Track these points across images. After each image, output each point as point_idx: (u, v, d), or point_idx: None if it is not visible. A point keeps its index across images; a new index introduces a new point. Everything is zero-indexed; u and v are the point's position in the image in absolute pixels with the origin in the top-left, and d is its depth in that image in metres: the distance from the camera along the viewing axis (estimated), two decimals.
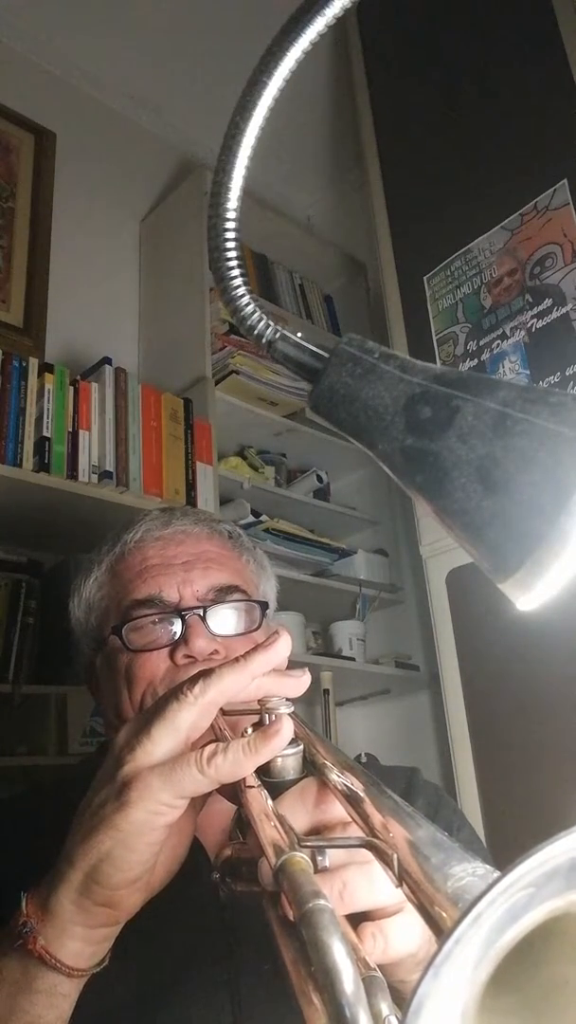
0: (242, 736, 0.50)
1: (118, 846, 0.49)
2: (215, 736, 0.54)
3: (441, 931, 0.30)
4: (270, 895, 0.45)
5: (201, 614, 0.79)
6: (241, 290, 0.42)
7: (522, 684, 1.57)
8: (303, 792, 0.51)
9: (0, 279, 2.15)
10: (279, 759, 0.52)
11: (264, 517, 2.22)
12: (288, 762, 0.53)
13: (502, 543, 0.35)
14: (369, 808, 0.44)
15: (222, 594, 0.82)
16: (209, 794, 0.52)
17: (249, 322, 0.42)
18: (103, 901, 0.51)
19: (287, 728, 0.50)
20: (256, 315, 0.42)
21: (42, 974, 0.52)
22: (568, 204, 1.73)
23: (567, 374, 1.66)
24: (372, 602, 2.36)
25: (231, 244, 0.42)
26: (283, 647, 0.54)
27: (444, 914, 0.31)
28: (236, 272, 0.42)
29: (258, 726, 0.52)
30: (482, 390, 0.36)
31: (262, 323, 0.42)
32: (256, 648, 0.54)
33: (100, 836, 0.50)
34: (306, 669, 0.55)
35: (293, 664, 0.56)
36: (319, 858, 0.45)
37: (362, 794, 0.46)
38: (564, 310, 1.69)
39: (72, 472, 1.71)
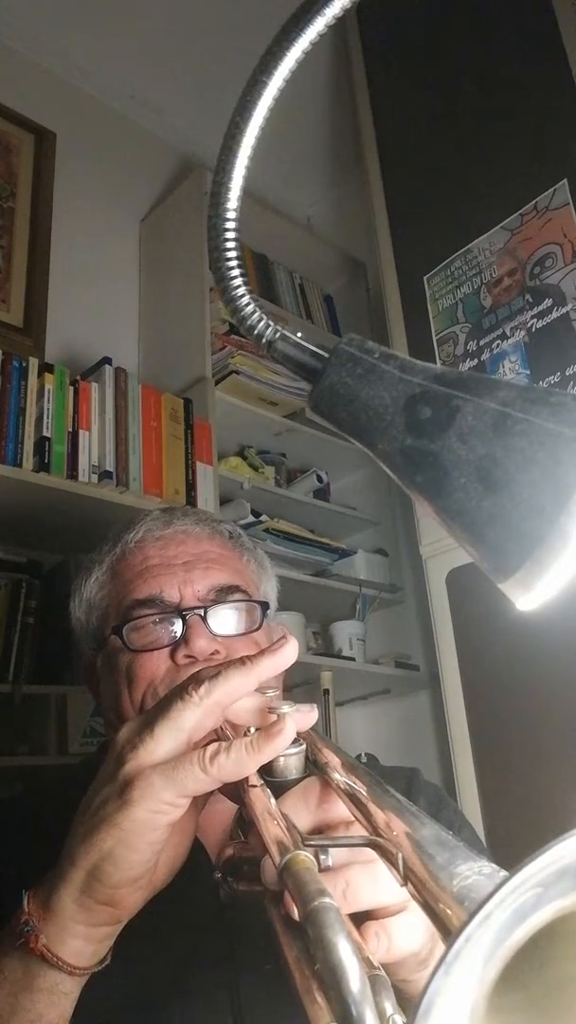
0: (244, 735, 0.50)
1: (120, 845, 0.49)
2: (217, 736, 0.54)
3: (447, 930, 0.30)
4: (272, 894, 0.45)
5: (202, 614, 0.79)
6: (241, 290, 0.42)
7: (522, 684, 1.57)
8: (306, 791, 0.51)
9: (0, 279, 2.15)
10: (281, 758, 0.52)
11: (264, 517, 2.22)
12: (291, 761, 0.53)
13: (502, 543, 0.35)
14: (372, 807, 0.44)
15: (223, 594, 0.82)
16: (211, 793, 0.52)
17: (249, 322, 0.42)
18: (105, 900, 0.51)
19: (290, 728, 0.50)
20: (256, 315, 0.42)
21: (44, 972, 0.52)
22: (568, 204, 1.73)
23: (567, 374, 1.66)
24: (372, 602, 2.36)
25: (231, 244, 0.42)
26: (290, 652, 0.54)
27: (450, 913, 0.31)
28: (236, 272, 0.42)
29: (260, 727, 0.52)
30: (482, 390, 0.36)
31: (262, 323, 0.42)
32: (263, 652, 0.54)
33: (102, 835, 0.50)
34: (314, 706, 0.55)
35: (293, 665, 0.56)
36: (322, 857, 0.45)
37: (365, 793, 0.46)
38: (564, 310, 1.69)
39: (72, 472, 1.71)
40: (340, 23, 0.39)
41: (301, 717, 0.52)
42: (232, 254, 0.42)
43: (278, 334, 0.42)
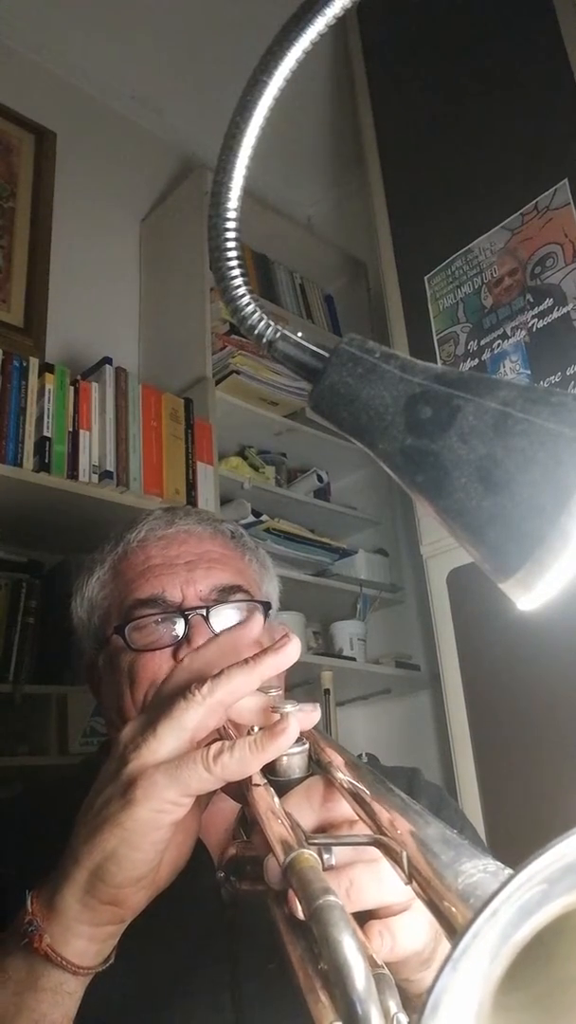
0: (248, 735, 0.50)
1: (123, 844, 0.49)
2: (220, 735, 0.54)
3: (452, 928, 0.30)
4: (275, 894, 0.45)
5: (204, 614, 0.79)
6: (241, 290, 0.42)
7: (523, 684, 1.57)
8: (309, 790, 0.51)
9: (0, 279, 2.15)
10: (285, 758, 0.52)
11: (264, 517, 2.22)
12: (294, 760, 0.53)
13: (503, 543, 0.35)
14: (376, 806, 0.44)
15: (225, 594, 0.82)
16: (214, 792, 0.52)
17: (249, 322, 0.42)
18: (108, 899, 0.51)
19: (293, 727, 0.50)
20: (256, 315, 0.42)
21: (48, 972, 0.52)
22: (569, 204, 1.73)
23: (568, 374, 1.66)
24: (373, 602, 2.36)
25: (231, 244, 0.42)
26: (292, 651, 0.54)
27: (455, 911, 0.31)
28: (236, 272, 0.42)
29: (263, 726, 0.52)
30: (483, 390, 0.36)
31: (262, 323, 0.42)
32: (266, 651, 0.54)
33: (105, 834, 0.50)
34: (317, 705, 0.55)
35: (294, 665, 0.56)
36: (326, 856, 0.45)
37: (368, 792, 0.46)
38: (565, 310, 1.69)
39: (72, 472, 1.72)
40: (341, 23, 0.39)
41: (304, 716, 0.52)
42: (232, 254, 0.42)
43: (278, 334, 0.42)
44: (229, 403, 2.20)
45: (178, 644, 0.78)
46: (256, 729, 0.51)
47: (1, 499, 1.65)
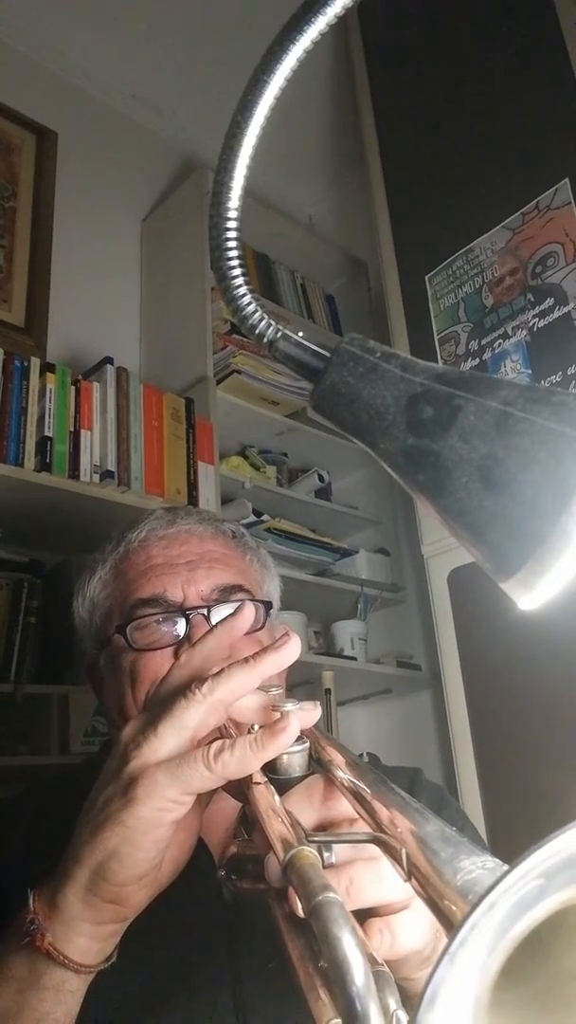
0: (248, 733, 0.50)
1: (125, 843, 0.49)
2: (220, 733, 0.54)
3: (451, 924, 0.30)
4: (276, 892, 0.45)
5: (205, 613, 0.79)
6: (242, 289, 0.42)
7: (524, 683, 1.57)
8: (310, 789, 0.52)
9: (2, 279, 2.15)
10: (285, 756, 0.53)
11: (266, 517, 2.22)
12: (294, 759, 0.53)
13: (503, 543, 0.35)
14: (376, 804, 0.44)
15: (226, 593, 0.82)
16: (215, 791, 0.52)
17: (250, 321, 0.42)
18: (110, 898, 0.51)
19: (293, 725, 0.50)
20: (257, 314, 0.42)
21: (50, 971, 0.52)
22: (570, 203, 1.73)
23: (569, 373, 1.66)
24: (374, 602, 2.36)
25: (232, 243, 0.42)
26: (293, 649, 0.54)
27: (454, 907, 0.31)
28: (237, 271, 0.42)
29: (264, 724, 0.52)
30: (484, 389, 0.36)
31: (263, 322, 0.42)
32: (266, 649, 0.54)
33: (107, 833, 0.50)
34: (317, 704, 0.55)
35: (295, 665, 0.56)
36: (326, 854, 0.45)
37: (368, 790, 0.46)
38: (566, 309, 1.69)
39: (74, 472, 1.72)
40: (341, 22, 0.39)
41: (304, 715, 0.52)
42: (233, 253, 0.42)
43: (279, 333, 0.42)
44: (230, 403, 2.20)
45: (179, 643, 0.78)
46: (257, 728, 0.51)
47: (2, 499, 1.65)
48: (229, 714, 0.53)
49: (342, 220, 3.02)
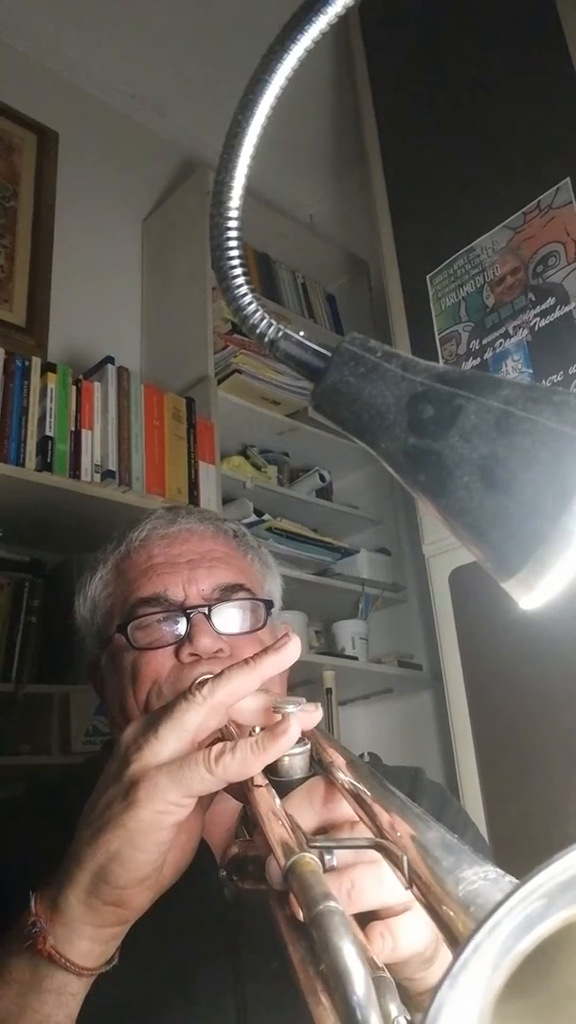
0: (249, 735, 0.50)
1: (126, 846, 0.49)
2: (222, 736, 0.54)
3: (452, 935, 0.30)
4: (277, 894, 0.45)
5: (206, 612, 0.79)
6: (243, 289, 0.42)
7: (525, 683, 1.57)
8: (311, 791, 0.51)
9: (3, 278, 2.15)
10: (286, 758, 0.52)
11: (267, 516, 2.22)
12: (295, 761, 0.53)
13: (505, 542, 0.35)
14: (377, 808, 0.44)
15: (227, 593, 0.82)
16: (216, 792, 0.52)
17: (251, 321, 0.42)
18: (112, 900, 0.51)
19: (294, 727, 0.50)
20: (258, 314, 0.42)
21: (52, 974, 0.52)
22: (571, 203, 1.73)
23: (570, 373, 1.66)
24: (375, 601, 2.36)
25: (233, 243, 0.41)
26: (293, 650, 0.54)
27: (455, 917, 0.31)
28: (238, 271, 0.42)
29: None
30: (485, 389, 0.36)
31: (264, 322, 0.42)
32: (266, 650, 0.54)
33: (108, 836, 0.50)
34: (318, 705, 0.55)
35: (296, 664, 0.56)
36: (327, 857, 0.45)
37: (369, 793, 0.46)
38: (567, 309, 1.69)
39: (75, 471, 1.72)
40: (342, 21, 0.39)
41: (305, 716, 0.52)
42: (234, 253, 0.42)
43: (280, 333, 0.42)
44: (231, 402, 2.20)
45: (180, 642, 0.78)
46: (258, 730, 0.51)
47: (3, 499, 1.65)
48: (230, 716, 0.53)
49: (343, 219, 3.02)
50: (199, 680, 0.52)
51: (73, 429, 1.75)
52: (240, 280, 0.42)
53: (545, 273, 1.75)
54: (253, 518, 2.16)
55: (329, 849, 0.45)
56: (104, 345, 2.19)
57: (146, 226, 2.63)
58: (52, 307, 2.20)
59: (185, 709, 0.51)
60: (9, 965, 0.54)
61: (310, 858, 0.41)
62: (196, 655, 0.77)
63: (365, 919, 0.48)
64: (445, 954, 0.51)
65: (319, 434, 2.37)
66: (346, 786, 0.49)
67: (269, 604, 0.86)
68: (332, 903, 0.35)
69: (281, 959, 0.43)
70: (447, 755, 1.85)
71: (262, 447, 2.44)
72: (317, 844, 0.45)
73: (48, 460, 1.67)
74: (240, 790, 0.52)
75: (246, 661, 0.53)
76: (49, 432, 1.70)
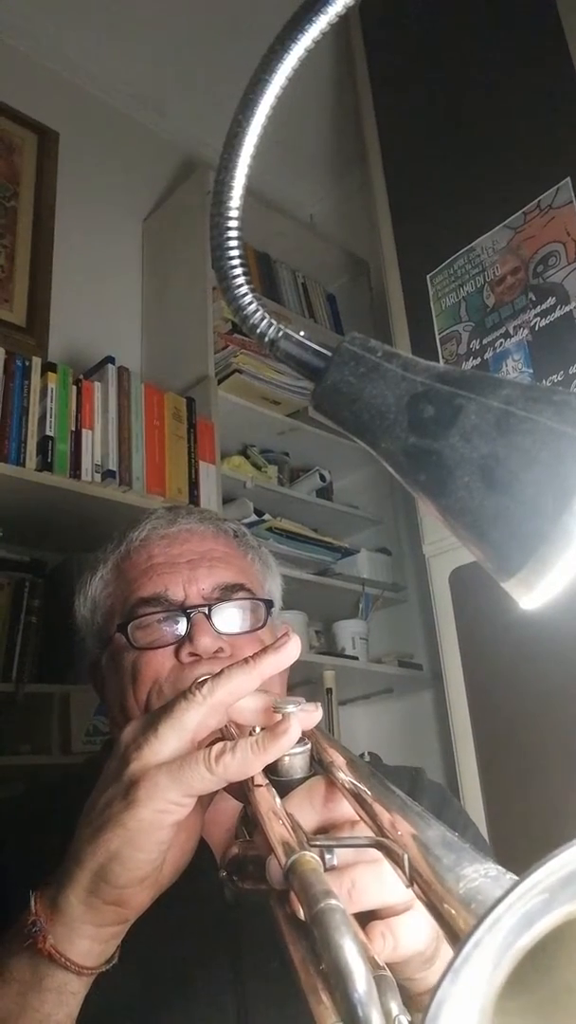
0: (250, 735, 0.50)
1: (126, 845, 0.49)
2: (222, 735, 0.54)
3: (454, 933, 0.30)
4: (277, 893, 0.45)
5: (206, 612, 0.79)
6: (244, 289, 0.42)
7: (525, 683, 1.57)
8: (311, 791, 0.51)
9: (3, 278, 2.15)
10: (287, 758, 0.52)
11: (267, 516, 2.22)
12: (296, 761, 0.53)
13: (505, 542, 0.35)
14: (377, 807, 0.44)
15: (227, 592, 0.82)
16: (216, 792, 0.52)
17: (252, 321, 0.42)
18: (112, 900, 0.51)
19: (295, 727, 0.50)
20: (259, 314, 0.42)
21: (52, 973, 0.52)
22: (571, 202, 1.73)
23: (570, 372, 1.66)
24: (375, 601, 2.36)
25: (234, 243, 0.41)
26: (292, 650, 0.54)
27: (456, 915, 0.31)
28: (239, 271, 0.42)
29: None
30: (485, 389, 0.36)
31: (264, 322, 0.42)
32: (266, 649, 0.54)
33: (108, 835, 0.50)
34: (318, 705, 0.55)
35: (296, 664, 0.56)
36: (327, 856, 0.45)
37: (370, 793, 0.46)
38: (567, 309, 1.69)
39: (75, 471, 1.72)
40: (343, 21, 0.39)
41: (306, 716, 0.52)
42: (234, 253, 0.42)
43: (281, 333, 0.42)
44: (231, 402, 2.20)
45: (180, 642, 0.78)
46: (258, 729, 0.51)
47: (4, 498, 1.65)
48: (230, 715, 0.53)
49: (343, 219, 3.02)
50: (199, 680, 0.52)
51: (73, 429, 1.75)
52: (240, 280, 0.42)
53: (545, 273, 1.75)
54: (253, 518, 2.16)
55: (330, 848, 0.45)
56: (104, 345, 2.19)
57: (146, 226, 2.63)
58: (52, 307, 2.20)
59: (185, 708, 0.51)
60: (9, 964, 0.54)
61: (311, 857, 0.41)
62: (196, 655, 0.77)
63: (365, 919, 0.48)
64: (446, 953, 0.51)
65: (319, 434, 2.37)
66: (346, 786, 0.49)
67: (269, 604, 0.86)
68: (333, 901, 0.35)
69: (281, 958, 0.43)
70: (447, 755, 1.85)
71: (262, 447, 2.44)
72: (318, 843, 0.45)
73: (48, 460, 1.68)
74: (240, 790, 0.52)
75: (246, 660, 0.53)
76: (49, 432, 1.70)
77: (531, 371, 1.72)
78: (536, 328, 1.74)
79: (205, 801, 0.54)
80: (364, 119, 2.28)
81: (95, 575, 0.88)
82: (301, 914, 0.40)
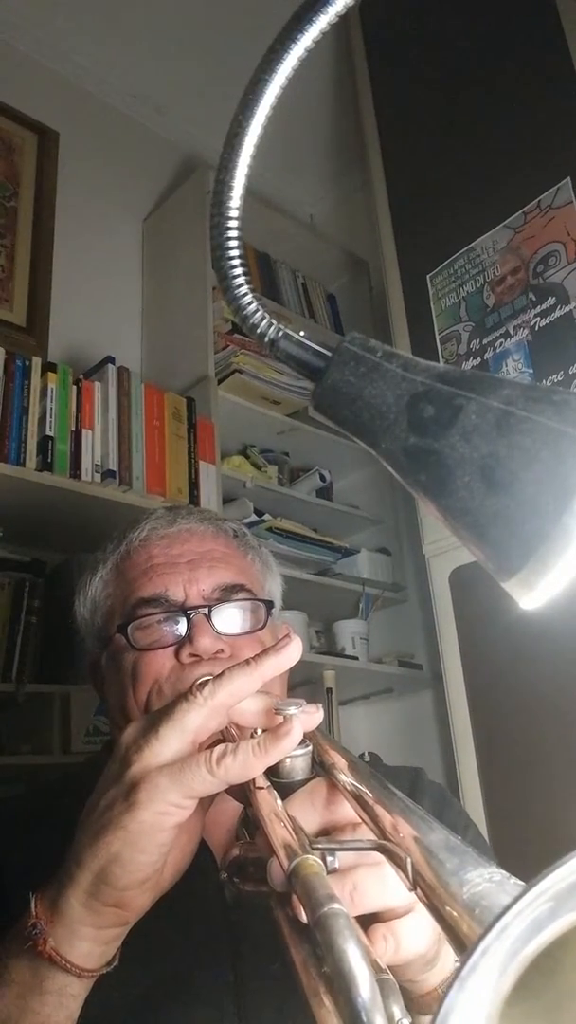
0: (251, 737, 0.50)
1: (127, 847, 0.49)
2: (223, 737, 0.54)
3: (458, 937, 0.30)
4: (279, 896, 0.45)
5: (206, 613, 0.79)
6: (244, 289, 0.42)
7: (525, 683, 1.57)
8: (312, 793, 0.51)
9: (3, 278, 2.15)
10: (288, 760, 0.52)
11: (267, 516, 2.22)
12: (297, 763, 0.53)
13: (505, 542, 0.35)
14: (379, 809, 0.44)
15: (227, 593, 0.82)
16: (216, 794, 0.51)
17: (252, 321, 0.42)
18: (112, 902, 0.50)
19: (296, 729, 0.50)
20: (259, 314, 0.42)
21: (52, 975, 0.52)
22: (571, 202, 1.73)
23: (570, 372, 1.66)
24: (375, 601, 2.36)
25: (234, 243, 0.41)
26: (294, 651, 0.54)
27: (460, 919, 0.31)
28: (239, 271, 0.42)
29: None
30: (485, 388, 0.36)
31: (264, 322, 0.42)
32: (267, 651, 0.53)
33: (108, 837, 0.49)
34: (320, 706, 0.54)
35: (296, 664, 0.56)
36: (329, 859, 0.45)
37: (371, 795, 0.46)
38: (567, 308, 1.69)
39: (75, 471, 1.72)
40: (343, 21, 0.39)
41: (307, 718, 0.52)
42: (235, 252, 0.42)
43: (281, 333, 0.42)
44: (231, 402, 2.20)
45: (180, 643, 0.78)
46: (259, 731, 0.51)
47: (4, 498, 1.65)
48: (231, 717, 0.53)
49: (343, 219, 3.02)
50: (200, 681, 0.52)
51: (73, 429, 1.75)
52: (240, 280, 0.42)
53: (545, 273, 1.75)
54: (253, 518, 2.16)
55: (331, 851, 0.45)
56: (104, 345, 2.19)
57: (146, 226, 2.63)
58: (52, 307, 2.20)
59: (186, 710, 0.51)
60: (9, 966, 0.54)
61: (313, 860, 0.41)
62: (196, 656, 0.77)
63: (367, 921, 0.48)
64: (447, 955, 0.51)
65: (319, 434, 2.37)
66: (348, 788, 0.49)
67: (269, 604, 0.85)
68: (336, 906, 0.35)
69: (282, 960, 0.43)
70: (447, 755, 1.85)
71: (262, 447, 2.44)
72: (320, 846, 0.45)
73: (48, 460, 1.67)
74: (242, 792, 0.52)
75: (247, 662, 0.53)
76: (49, 432, 1.70)
77: (531, 371, 1.72)
78: (536, 328, 1.74)
79: (206, 803, 0.54)
80: (364, 119, 2.28)
81: (95, 575, 0.88)
82: (303, 917, 0.40)
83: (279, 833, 0.45)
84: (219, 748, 0.49)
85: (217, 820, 0.75)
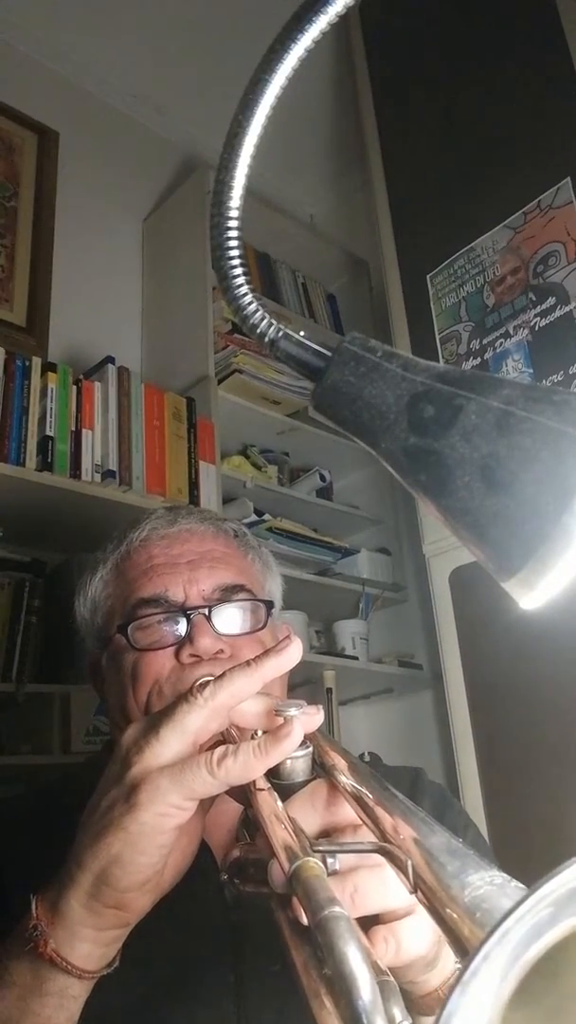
0: (252, 738, 0.50)
1: (127, 848, 0.49)
2: (223, 739, 0.54)
3: (459, 940, 0.30)
4: (279, 897, 0.45)
5: (207, 613, 0.79)
6: (244, 289, 0.42)
7: (525, 683, 1.57)
8: (313, 794, 0.51)
9: (3, 278, 2.15)
10: (289, 761, 0.52)
11: (267, 516, 2.22)
12: (298, 764, 0.53)
13: (505, 542, 0.35)
14: (380, 811, 0.44)
15: (228, 593, 0.82)
16: (217, 795, 0.51)
17: (252, 321, 0.42)
18: (113, 903, 0.50)
19: (297, 731, 0.50)
20: (259, 314, 0.42)
21: (53, 977, 0.52)
22: (572, 202, 1.73)
23: (570, 372, 1.66)
24: (375, 601, 2.36)
25: (234, 243, 0.41)
26: (294, 653, 0.54)
27: (460, 922, 0.30)
28: (239, 271, 0.42)
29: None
30: (485, 388, 0.36)
31: (264, 322, 0.42)
32: (268, 652, 0.53)
33: (109, 838, 0.49)
34: (320, 707, 0.54)
35: (296, 664, 0.56)
36: (329, 861, 0.45)
37: (372, 797, 0.46)
38: (567, 308, 1.69)
39: (75, 471, 1.72)
40: (343, 21, 0.39)
41: (307, 719, 0.52)
42: (235, 252, 0.42)
43: (281, 333, 0.42)
44: (231, 402, 2.20)
45: (181, 643, 0.78)
46: (260, 732, 0.51)
47: (4, 498, 1.65)
48: (232, 719, 0.53)
49: (343, 219, 3.02)
50: (200, 682, 0.52)
51: (73, 429, 1.75)
52: (240, 280, 0.42)
53: (545, 273, 1.75)
54: (253, 518, 2.16)
55: (332, 853, 0.45)
56: (104, 345, 2.19)
57: (146, 226, 2.63)
58: (52, 307, 2.20)
59: (186, 711, 0.50)
60: (10, 968, 0.54)
61: (314, 863, 0.41)
62: (196, 656, 0.76)
63: (368, 923, 0.48)
64: (447, 957, 0.51)
65: (319, 434, 2.37)
66: (348, 789, 0.48)
67: (270, 604, 0.85)
68: (337, 908, 0.35)
69: (283, 962, 0.43)
70: (447, 755, 1.85)
71: (262, 447, 2.44)
72: (320, 848, 0.45)
73: (48, 460, 1.67)
74: (242, 793, 0.51)
75: (247, 663, 0.52)
76: (49, 432, 1.70)
77: (531, 371, 1.72)
78: (536, 328, 1.74)
79: (206, 804, 0.54)
80: (364, 119, 2.28)
81: (95, 575, 0.88)
82: (304, 919, 0.40)
83: (280, 835, 0.45)
84: (220, 749, 0.49)
85: (217, 821, 0.75)
